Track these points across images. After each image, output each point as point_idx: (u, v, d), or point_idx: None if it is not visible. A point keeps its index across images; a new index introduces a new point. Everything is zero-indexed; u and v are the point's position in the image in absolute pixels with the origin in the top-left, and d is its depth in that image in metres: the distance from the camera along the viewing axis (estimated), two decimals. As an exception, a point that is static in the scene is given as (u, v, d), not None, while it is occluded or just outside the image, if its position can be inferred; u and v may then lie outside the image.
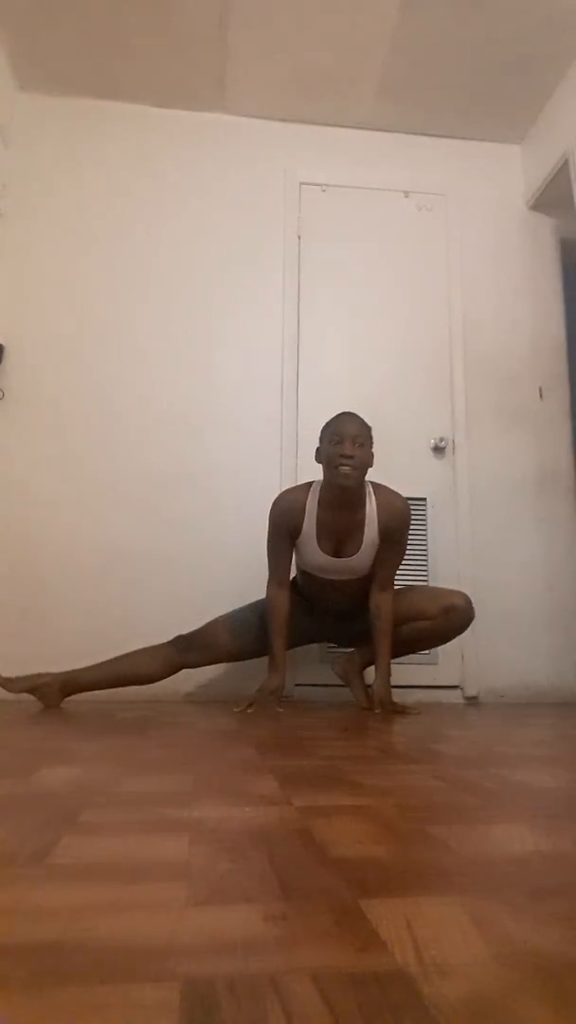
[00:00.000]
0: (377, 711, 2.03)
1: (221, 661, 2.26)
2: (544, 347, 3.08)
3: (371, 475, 2.84)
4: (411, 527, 2.80)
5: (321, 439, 2.10)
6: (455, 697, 2.69)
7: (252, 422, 2.85)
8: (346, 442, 2.00)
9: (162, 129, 3.08)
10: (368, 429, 2.07)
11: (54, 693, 2.06)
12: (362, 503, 2.09)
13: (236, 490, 2.78)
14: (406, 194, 3.17)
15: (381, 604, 2.11)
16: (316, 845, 0.60)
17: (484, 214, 3.19)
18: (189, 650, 2.17)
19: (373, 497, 2.12)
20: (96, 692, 2.16)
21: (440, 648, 2.71)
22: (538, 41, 2.71)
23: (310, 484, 2.15)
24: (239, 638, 2.18)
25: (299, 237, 3.05)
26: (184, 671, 2.25)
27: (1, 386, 2.72)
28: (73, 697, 2.16)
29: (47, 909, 0.45)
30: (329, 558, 2.10)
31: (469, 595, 2.23)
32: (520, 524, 2.89)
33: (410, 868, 0.54)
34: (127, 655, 2.17)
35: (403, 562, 2.76)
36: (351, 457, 1.98)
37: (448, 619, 2.14)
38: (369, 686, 2.32)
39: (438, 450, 2.91)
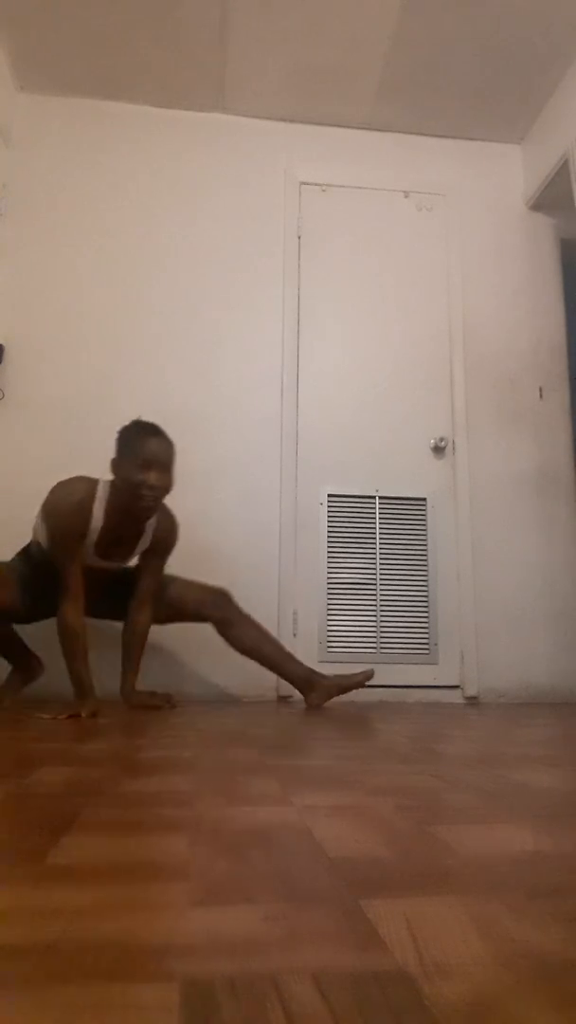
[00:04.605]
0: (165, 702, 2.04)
1: None
2: (544, 347, 3.08)
3: (369, 475, 2.85)
4: (411, 527, 2.82)
5: (121, 452, 1.92)
6: (455, 697, 2.69)
7: (252, 422, 2.85)
8: (153, 471, 1.86)
9: (162, 129, 3.08)
10: (174, 448, 1.95)
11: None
12: (150, 519, 2.00)
13: (236, 490, 2.78)
14: (406, 194, 3.17)
15: (139, 624, 2.06)
16: (316, 845, 0.60)
17: (484, 214, 3.19)
18: None
19: (156, 515, 2.04)
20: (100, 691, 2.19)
21: (440, 648, 2.72)
22: (538, 41, 2.71)
23: (95, 484, 1.96)
24: (26, 594, 2.04)
25: (299, 237, 3.05)
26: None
27: (1, 386, 2.72)
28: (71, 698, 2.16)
29: (47, 909, 0.45)
30: (97, 559, 2.01)
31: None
32: (520, 524, 2.89)
33: (410, 868, 0.54)
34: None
35: (403, 562, 2.78)
36: (157, 488, 1.87)
37: (214, 617, 2.17)
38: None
39: (438, 450, 2.91)
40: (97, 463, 2.72)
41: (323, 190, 3.12)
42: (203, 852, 0.58)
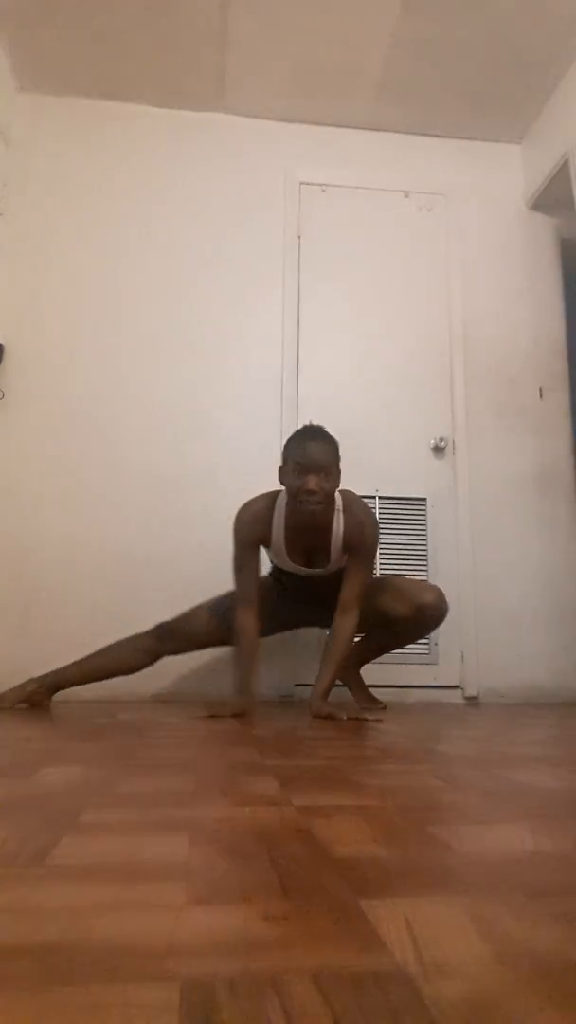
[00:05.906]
0: (345, 717, 1.83)
1: (204, 647, 2.23)
2: (544, 347, 3.08)
3: (369, 475, 2.85)
4: (411, 527, 2.82)
5: (285, 458, 1.98)
6: (455, 697, 2.69)
7: (252, 422, 2.85)
8: (310, 476, 1.88)
9: (162, 129, 3.07)
10: (335, 450, 1.96)
11: (43, 695, 2.07)
12: (330, 522, 1.99)
13: (236, 491, 2.76)
14: (406, 194, 3.17)
15: (338, 627, 1.99)
16: (316, 845, 0.60)
17: (484, 214, 3.19)
18: (171, 638, 2.15)
19: (342, 515, 2.01)
20: (96, 692, 2.18)
21: (440, 648, 2.72)
22: (538, 41, 2.71)
23: (275, 495, 2.04)
24: (224, 623, 2.08)
25: (299, 237, 3.05)
26: (162, 662, 2.22)
27: (1, 386, 2.72)
28: (72, 698, 2.17)
29: (47, 909, 0.45)
30: (300, 567, 2.06)
31: (449, 592, 2.18)
32: (520, 524, 2.89)
33: (410, 868, 0.54)
34: (108, 648, 2.15)
35: (403, 562, 2.78)
36: (315, 492, 1.88)
37: (421, 618, 2.10)
38: (371, 686, 2.33)
39: (438, 450, 2.91)
40: (97, 463, 2.74)
41: (323, 190, 3.12)
42: (203, 852, 0.58)
